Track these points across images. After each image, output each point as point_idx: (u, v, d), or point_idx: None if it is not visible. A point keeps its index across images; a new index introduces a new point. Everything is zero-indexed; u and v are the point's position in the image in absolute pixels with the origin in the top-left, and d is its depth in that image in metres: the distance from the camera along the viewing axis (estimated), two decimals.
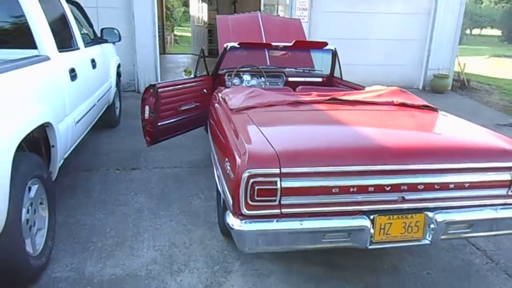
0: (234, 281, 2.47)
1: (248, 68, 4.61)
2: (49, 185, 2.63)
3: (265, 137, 2.09)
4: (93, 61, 4.03)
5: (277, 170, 1.87)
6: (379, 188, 1.97)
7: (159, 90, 3.71)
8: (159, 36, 10.82)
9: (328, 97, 2.84)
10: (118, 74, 5.64)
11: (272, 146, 1.97)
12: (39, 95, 2.56)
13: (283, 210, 1.93)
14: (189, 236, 2.96)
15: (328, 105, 2.76)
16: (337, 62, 4.68)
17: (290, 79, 4.74)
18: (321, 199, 1.94)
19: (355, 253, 2.78)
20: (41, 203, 2.56)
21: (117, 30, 4.73)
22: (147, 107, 3.75)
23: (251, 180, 1.86)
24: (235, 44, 4.31)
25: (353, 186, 1.94)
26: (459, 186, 2.07)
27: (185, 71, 4.58)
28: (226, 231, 2.61)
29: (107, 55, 4.94)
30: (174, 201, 3.48)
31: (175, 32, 21.36)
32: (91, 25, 4.59)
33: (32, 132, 2.33)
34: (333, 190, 1.93)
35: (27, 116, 2.27)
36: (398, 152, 2.05)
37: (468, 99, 8.44)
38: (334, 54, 4.51)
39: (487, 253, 2.87)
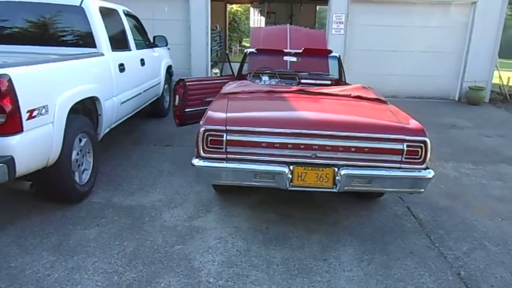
0: (210, 217, 3.42)
1: (267, 71, 5.54)
2: (94, 141, 3.80)
3: (226, 109, 3.04)
4: (142, 60, 5.26)
5: (223, 128, 2.81)
6: (296, 146, 2.80)
7: (187, 83, 4.80)
8: (220, 45, 12.11)
9: (296, 89, 3.70)
10: (170, 74, 6.91)
11: (226, 114, 2.91)
12: (92, 78, 3.75)
13: (228, 156, 2.85)
14: (190, 189, 3.96)
15: (294, 95, 3.62)
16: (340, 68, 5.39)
17: (303, 81, 5.57)
18: (254, 150, 2.83)
19: (307, 208, 3.59)
20: (88, 152, 3.74)
21: (165, 38, 5.98)
22: (177, 96, 4.86)
23: (206, 133, 2.82)
24: (253, 50, 5.32)
25: (276, 143, 2.80)
26: (360, 150, 2.82)
27: (213, 71, 5.64)
28: (217, 186, 3.60)
29: (159, 57, 6.20)
30: (189, 167, 4.51)
31: (243, 43, 22.98)
32: (145, 33, 5.86)
33: (84, 101, 3.53)
34: (262, 145, 2.81)
35: (81, 89, 3.45)
36: (312, 122, 2.87)
37: (503, 111, 8.51)
38: (339, 60, 5.25)
39: (421, 221, 3.49)
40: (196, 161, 2.88)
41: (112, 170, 4.33)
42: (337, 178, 2.83)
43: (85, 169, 3.69)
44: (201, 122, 2.91)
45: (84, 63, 3.62)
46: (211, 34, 12.02)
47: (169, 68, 6.86)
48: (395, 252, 3.00)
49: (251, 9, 14.82)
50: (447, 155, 5.35)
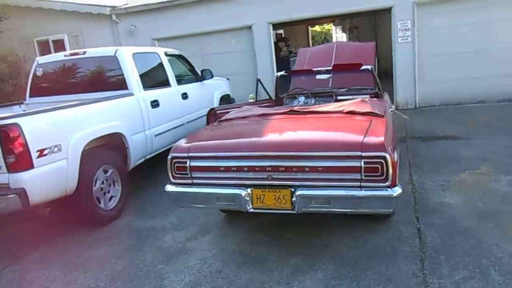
0: (206, 238, 3.60)
1: (300, 91, 5.55)
2: (123, 171, 4.35)
3: (197, 137, 3.24)
4: (184, 94, 5.79)
5: (186, 155, 3.01)
6: (251, 169, 2.84)
7: (217, 111, 5.13)
8: None
9: (288, 110, 3.69)
10: (230, 102, 7.36)
11: (190, 142, 3.12)
12: (116, 116, 4.33)
13: (194, 181, 3.03)
14: (202, 212, 4.18)
15: (283, 116, 3.62)
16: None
17: (339, 97, 5.43)
18: (215, 174, 2.95)
19: (303, 231, 3.51)
20: (116, 181, 4.30)
21: (210, 70, 6.48)
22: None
23: (173, 161, 3.05)
24: (283, 73, 5.43)
25: (233, 167, 2.88)
26: (314, 170, 2.70)
27: (250, 97, 5.86)
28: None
29: (210, 89, 6.71)
30: None
31: None
32: (193, 69, 6.43)
33: (111, 136, 4.12)
34: (221, 169, 2.92)
35: (99, 127, 4.03)
36: (265, 144, 2.88)
37: None
38: (372, 72, 4.99)
39: (424, 245, 3.11)
40: (167, 187, 3.12)
41: (149, 195, 4.83)
42: (293, 199, 2.77)
43: (112, 196, 4.24)
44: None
45: (104, 105, 4.23)
46: (290, 57, 12.32)
47: (227, 97, 7.34)
48: (369, 279, 2.75)
49: (333, 27, 14.68)
50: None
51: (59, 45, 10.86)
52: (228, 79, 7.77)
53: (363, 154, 2.60)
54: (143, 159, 4.85)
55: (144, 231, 3.90)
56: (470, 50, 7.81)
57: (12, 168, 3.21)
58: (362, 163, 2.61)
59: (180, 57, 6.26)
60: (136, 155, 4.64)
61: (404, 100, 8.45)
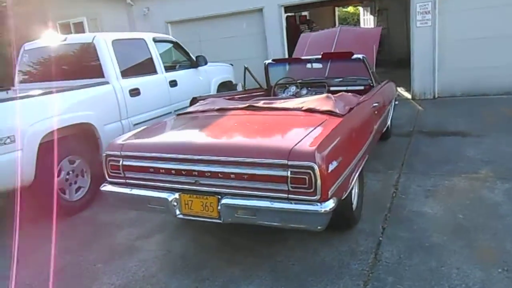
0: (156, 238, 3.46)
1: (290, 81, 5.21)
2: (93, 161, 4.27)
3: (137, 134, 3.06)
4: (173, 81, 5.62)
5: (119, 153, 2.84)
6: (179, 172, 2.62)
7: (199, 101, 4.92)
8: None
9: (247, 105, 3.41)
10: (232, 89, 7.12)
11: (126, 139, 2.94)
12: (86, 105, 4.24)
13: (127, 181, 2.86)
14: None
15: (240, 112, 3.35)
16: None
17: (332, 88, 5.04)
18: (147, 176, 2.76)
19: (261, 238, 3.26)
20: (85, 171, 4.23)
21: (204, 57, 6.24)
22: None
23: (108, 159, 2.90)
24: (270, 61, 5.12)
25: (161, 168, 2.68)
26: (240, 177, 2.44)
27: (238, 86, 5.59)
28: None
29: (206, 76, 6.49)
30: None
31: None
32: (187, 55, 6.22)
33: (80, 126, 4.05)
34: (150, 170, 2.73)
35: (66, 116, 3.94)
36: (192, 146, 2.62)
37: None
38: (364, 62, 4.56)
39: (377, 263, 2.78)
40: (102, 186, 2.98)
41: None
42: (218, 208, 2.53)
43: (80, 187, 4.19)
44: None
45: (70, 94, 4.13)
46: None
47: (229, 84, 7.10)
48: None
49: (361, 9, 13.80)
50: None
51: (79, 28, 11.03)
52: (232, 64, 7.51)
53: (289, 163, 2.31)
54: None
55: (103, 225, 3.81)
56: (497, 35, 7.01)
57: None
58: (289, 172, 2.32)
59: (172, 43, 6.06)
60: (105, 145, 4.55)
61: (421, 90, 7.81)
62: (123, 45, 4.97)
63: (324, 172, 2.28)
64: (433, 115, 6.79)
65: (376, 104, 3.98)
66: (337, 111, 3.02)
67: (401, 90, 8.97)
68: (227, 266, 2.91)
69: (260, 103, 3.48)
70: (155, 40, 5.58)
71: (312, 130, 2.65)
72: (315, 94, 4.99)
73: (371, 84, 4.66)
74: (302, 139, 2.46)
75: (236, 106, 3.45)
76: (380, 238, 3.10)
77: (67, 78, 4.75)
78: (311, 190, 2.29)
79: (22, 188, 3.64)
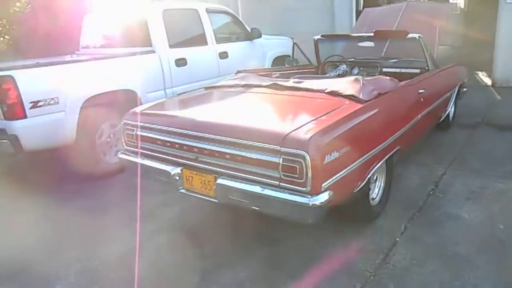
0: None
1: (339, 59, 4.88)
2: None
3: (153, 105, 3.10)
4: (223, 53, 5.59)
5: (136, 123, 2.90)
6: (181, 147, 2.60)
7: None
8: None
9: (270, 83, 3.25)
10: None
11: (141, 109, 2.99)
12: (129, 73, 4.40)
13: (140, 150, 2.93)
14: None
15: (262, 89, 3.21)
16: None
17: (385, 69, 4.64)
18: (154, 147, 2.80)
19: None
20: None
21: (258, 30, 6.09)
22: None
23: (126, 127, 2.99)
24: (319, 36, 4.83)
25: (167, 142, 2.68)
26: (234, 158, 2.34)
27: (287, 61, 5.32)
28: None
29: (262, 49, 6.36)
30: None
31: None
32: (242, 26, 6.12)
33: (119, 92, 4.23)
34: (158, 142, 2.75)
35: (108, 83, 4.14)
36: (195, 123, 2.56)
37: None
38: (420, 43, 4.09)
39: (386, 265, 2.56)
40: (119, 154, 3.10)
41: None
42: (214, 187, 2.48)
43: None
44: None
45: (112, 62, 4.30)
46: None
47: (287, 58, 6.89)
48: None
49: None
50: None
51: None
52: (293, 38, 7.23)
53: (282, 149, 2.16)
54: None
55: (133, 189, 4.00)
56: None
57: (6, 116, 3.53)
58: (281, 160, 2.17)
59: (229, 14, 5.99)
60: None
61: (504, 76, 6.87)
62: (174, 15, 5.03)
63: (317, 163, 2.10)
64: (510, 106, 5.95)
65: (422, 91, 3.56)
66: (360, 96, 2.75)
67: (482, 75, 7.99)
68: (230, 247, 2.88)
69: (289, 82, 3.30)
70: (209, 11, 5.56)
71: (321, 116, 2.45)
72: (367, 74, 4.66)
73: (427, 68, 4.18)
74: (303, 125, 2.28)
75: (261, 84, 3.32)
76: (397, 239, 2.83)
77: (122, 45, 4.95)
78: (302, 181, 2.13)
79: (65, 147, 3.94)
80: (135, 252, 2.86)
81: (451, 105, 4.86)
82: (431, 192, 3.50)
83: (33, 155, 4.10)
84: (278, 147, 2.17)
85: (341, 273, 2.52)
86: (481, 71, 8.20)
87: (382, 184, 3.10)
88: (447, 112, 4.74)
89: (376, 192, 3.06)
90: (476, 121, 5.40)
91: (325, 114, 2.48)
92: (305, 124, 2.31)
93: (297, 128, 2.24)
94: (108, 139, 4.29)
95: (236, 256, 2.76)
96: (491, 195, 3.37)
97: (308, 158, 2.08)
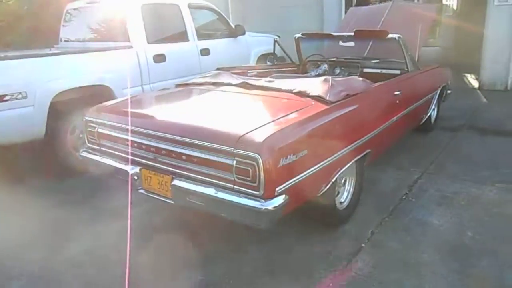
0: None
1: (319, 58, 4.79)
2: None
3: (117, 102, 3.02)
4: (205, 50, 5.49)
5: (97, 120, 2.81)
6: (140, 146, 2.52)
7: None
8: None
9: (240, 81, 3.17)
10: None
11: (103, 106, 2.91)
12: (104, 68, 4.30)
13: (101, 148, 2.85)
14: None
15: (231, 88, 3.13)
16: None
17: (366, 70, 4.57)
18: (114, 145, 2.71)
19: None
20: None
21: (242, 26, 6.00)
22: None
23: (87, 124, 2.90)
24: (300, 35, 4.75)
25: (126, 140, 2.60)
26: (190, 160, 2.26)
27: (268, 60, 5.26)
28: None
29: (246, 46, 6.26)
30: None
31: None
32: (226, 24, 6.02)
33: (93, 87, 4.13)
34: (118, 140, 2.66)
35: (80, 78, 4.04)
36: (152, 122, 2.49)
37: None
38: (400, 43, 4.01)
39: (347, 273, 2.48)
40: (81, 152, 3.01)
41: None
42: (170, 188, 2.40)
43: None
44: None
45: (86, 56, 4.20)
46: None
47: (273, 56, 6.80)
48: None
49: None
50: None
51: None
52: (279, 36, 7.14)
53: (235, 151, 2.08)
54: None
55: (105, 187, 3.91)
56: None
57: None
58: (235, 162, 2.09)
59: (211, 10, 5.89)
60: None
61: (491, 79, 6.81)
62: (154, 10, 4.93)
63: (271, 166, 2.02)
64: (496, 110, 5.90)
65: (398, 93, 3.49)
66: (327, 97, 2.67)
67: (471, 78, 7.94)
68: (191, 251, 2.79)
69: (260, 81, 3.22)
70: (191, 7, 5.46)
71: (282, 117, 2.37)
72: (348, 74, 4.58)
73: (406, 69, 4.10)
74: (260, 126, 2.20)
75: (231, 82, 3.23)
76: (363, 245, 2.76)
77: (101, 40, 4.85)
78: (255, 184, 2.05)
79: (35, 143, 3.84)
80: (94, 252, 2.80)
81: (433, 107, 4.79)
82: (404, 197, 3.43)
83: (0, 149, 4.00)
84: (232, 149, 2.09)
85: (298, 278, 2.44)
86: (470, 73, 8.14)
87: (351, 188, 3.03)
88: (428, 115, 4.67)
89: (345, 196, 2.98)
90: (459, 123, 5.34)
91: (286, 115, 2.40)
92: (263, 125, 2.23)
93: (253, 130, 2.15)
94: (81, 135, 4.19)
95: (196, 260, 2.68)
96: (464, 201, 3.31)
97: (260, 161, 2.00)
